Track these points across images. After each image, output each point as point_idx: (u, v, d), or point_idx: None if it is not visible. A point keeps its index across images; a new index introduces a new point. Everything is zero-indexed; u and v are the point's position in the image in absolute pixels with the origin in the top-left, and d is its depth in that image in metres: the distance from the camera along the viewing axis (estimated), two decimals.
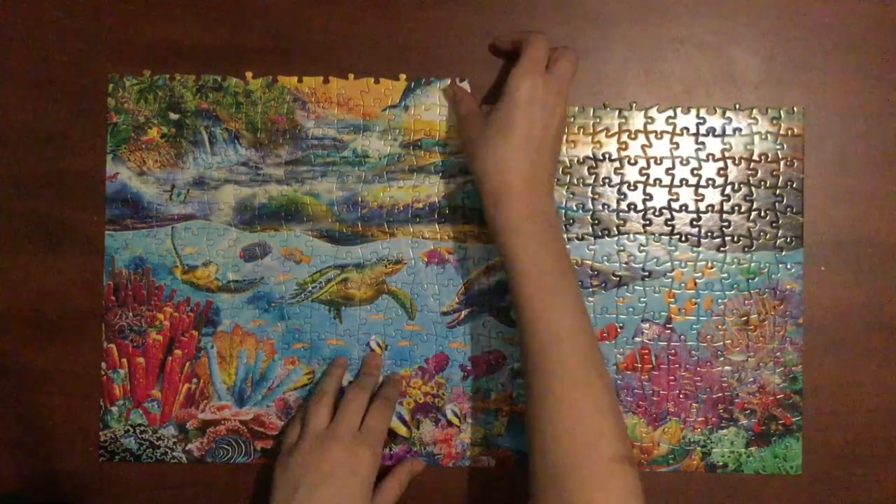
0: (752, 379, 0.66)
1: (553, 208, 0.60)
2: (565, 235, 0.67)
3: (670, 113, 0.67)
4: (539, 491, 0.54)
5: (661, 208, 0.67)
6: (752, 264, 0.66)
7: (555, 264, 0.57)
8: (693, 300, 0.66)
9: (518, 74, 0.59)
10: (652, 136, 0.67)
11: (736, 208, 0.67)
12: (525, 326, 0.57)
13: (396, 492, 0.64)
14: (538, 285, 0.56)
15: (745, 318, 0.66)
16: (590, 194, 0.67)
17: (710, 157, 0.67)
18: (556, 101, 0.59)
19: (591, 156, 0.67)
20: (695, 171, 0.67)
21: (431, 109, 0.67)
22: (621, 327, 0.67)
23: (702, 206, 0.67)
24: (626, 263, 0.67)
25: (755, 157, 0.67)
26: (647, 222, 0.67)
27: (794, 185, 0.67)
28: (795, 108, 0.67)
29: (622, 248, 0.67)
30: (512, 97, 0.59)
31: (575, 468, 0.52)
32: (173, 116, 0.67)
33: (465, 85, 0.67)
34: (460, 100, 0.65)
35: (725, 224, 0.67)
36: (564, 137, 0.66)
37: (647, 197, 0.67)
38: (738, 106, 0.67)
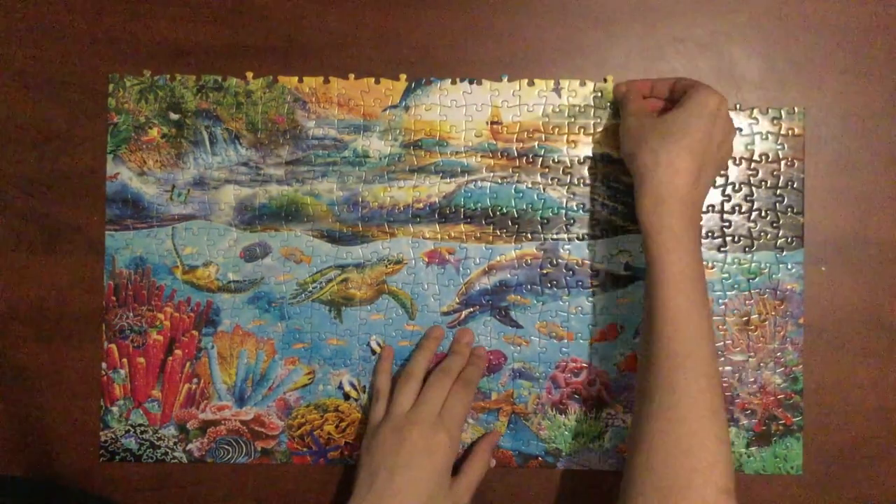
0: (752, 379, 0.66)
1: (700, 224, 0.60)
2: (565, 236, 0.67)
3: None
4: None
5: None
6: (753, 264, 0.66)
7: (700, 277, 0.57)
8: None
9: (706, 89, 0.59)
10: None
11: (736, 208, 0.67)
12: (659, 333, 0.55)
13: (481, 470, 0.64)
14: (682, 292, 0.55)
15: (745, 319, 0.66)
16: (590, 194, 0.67)
17: None
18: (731, 130, 0.60)
19: (592, 156, 0.67)
20: None
21: (432, 109, 0.67)
22: (622, 327, 0.67)
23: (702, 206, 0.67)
24: (626, 263, 0.67)
25: (756, 157, 0.67)
26: None
27: (795, 186, 0.67)
28: (796, 108, 0.67)
29: (623, 248, 0.67)
30: (698, 106, 0.58)
31: (684, 491, 0.52)
32: (174, 116, 0.67)
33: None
34: (630, 99, 0.64)
35: (726, 224, 0.67)
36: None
37: None
38: (738, 106, 0.67)
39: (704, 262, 0.66)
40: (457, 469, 0.63)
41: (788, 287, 0.66)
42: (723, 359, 0.66)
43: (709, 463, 0.52)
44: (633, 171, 0.59)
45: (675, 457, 0.53)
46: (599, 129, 0.67)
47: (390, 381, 0.65)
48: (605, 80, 0.67)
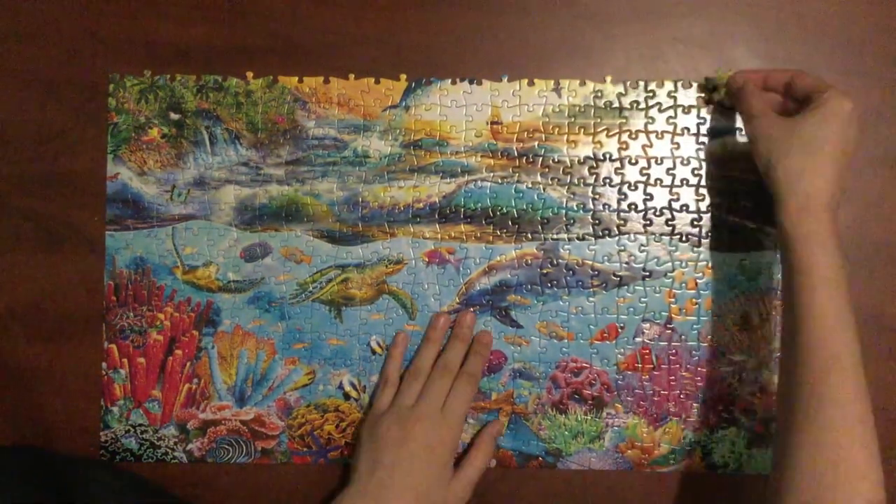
0: (752, 379, 0.66)
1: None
2: (566, 236, 0.67)
3: (671, 113, 0.67)
4: None
5: (661, 208, 0.67)
6: (753, 264, 0.66)
7: (846, 282, 0.55)
8: (694, 300, 0.66)
9: (838, 93, 0.58)
10: (653, 136, 0.67)
11: (737, 208, 0.66)
12: (805, 341, 0.54)
13: (482, 462, 0.64)
14: (832, 298, 0.54)
15: (745, 319, 0.66)
16: (590, 194, 0.67)
17: (711, 157, 0.67)
18: (860, 131, 0.59)
19: (592, 156, 0.67)
20: (695, 171, 0.67)
21: (432, 109, 0.67)
22: (622, 327, 0.67)
23: (702, 206, 0.67)
24: (626, 263, 0.67)
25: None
26: (648, 222, 0.67)
27: None
28: None
29: (623, 248, 0.67)
30: (834, 114, 0.57)
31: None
32: (174, 116, 0.67)
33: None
34: (751, 94, 0.62)
35: (726, 224, 0.66)
36: None
37: (648, 197, 0.67)
38: None
39: (704, 262, 0.66)
40: (459, 462, 0.64)
41: None
42: (723, 359, 0.66)
43: (857, 475, 0.51)
44: (772, 177, 0.58)
45: (821, 468, 0.51)
46: (600, 128, 0.67)
47: (400, 369, 0.66)
48: (605, 80, 0.67)
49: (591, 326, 0.67)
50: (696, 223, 0.67)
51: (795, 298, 0.55)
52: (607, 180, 0.67)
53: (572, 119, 0.67)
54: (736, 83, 0.63)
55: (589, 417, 0.67)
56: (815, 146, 0.57)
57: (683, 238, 0.67)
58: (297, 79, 0.67)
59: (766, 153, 0.59)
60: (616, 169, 0.67)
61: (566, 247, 0.67)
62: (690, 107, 0.67)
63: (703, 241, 0.67)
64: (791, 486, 0.52)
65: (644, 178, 0.67)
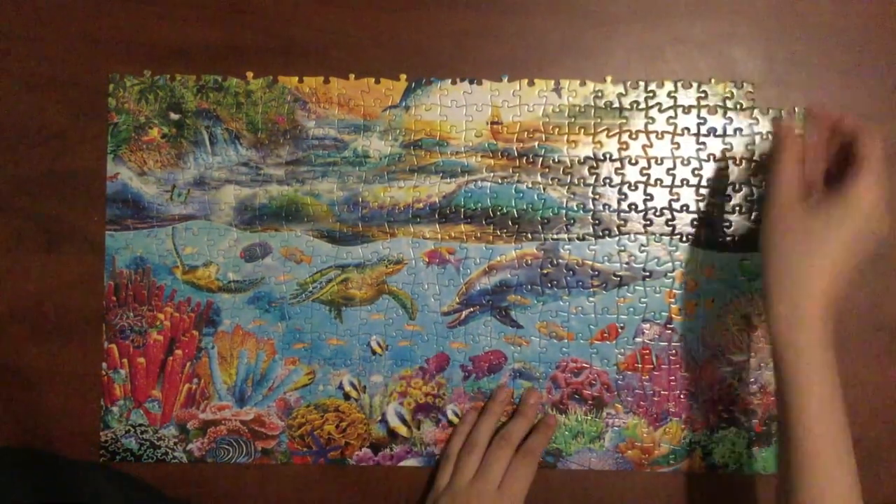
0: (752, 379, 0.66)
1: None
2: (566, 236, 0.67)
3: (671, 113, 0.67)
4: None
5: (661, 208, 0.67)
6: (753, 264, 0.66)
7: (839, 398, 0.53)
8: (694, 300, 0.66)
9: (868, 181, 0.53)
10: (653, 137, 0.67)
11: (737, 209, 0.67)
12: (801, 459, 0.53)
13: (530, 473, 0.63)
14: (822, 422, 0.52)
15: (745, 319, 0.66)
16: (590, 194, 0.67)
17: (711, 157, 0.67)
18: (884, 219, 0.54)
19: (592, 156, 0.67)
20: (696, 172, 0.67)
21: (432, 109, 0.67)
22: (622, 327, 0.67)
23: (702, 207, 0.67)
24: (626, 263, 0.67)
25: (756, 157, 0.67)
26: (648, 222, 0.67)
27: None
28: (796, 108, 0.67)
29: (623, 248, 0.67)
30: (851, 206, 0.53)
31: None
32: (174, 116, 0.67)
33: (794, 120, 0.62)
34: (788, 152, 0.57)
35: (726, 224, 0.67)
36: None
37: (648, 197, 0.67)
38: (738, 106, 0.67)
39: (704, 263, 0.66)
40: None
41: None
42: (723, 359, 0.66)
43: None
44: (767, 262, 0.55)
45: None
46: (600, 128, 0.67)
47: (461, 444, 0.65)
48: (606, 80, 0.67)
49: (592, 326, 0.67)
50: (696, 223, 0.67)
51: (785, 411, 0.53)
52: (607, 180, 0.67)
53: (572, 119, 0.67)
54: (778, 131, 0.58)
55: (589, 417, 0.67)
56: (820, 241, 0.53)
57: (684, 238, 0.67)
58: (297, 79, 0.67)
59: (769, 233, 0.56)
60: (616, 169, 0.67)
61: (566, 247, 0.67)
62: (690, 107, 0.67)
63: (703, 241, 0.67)
64: None
65: (644, 179, 0.67)
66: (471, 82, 0.67)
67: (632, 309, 0.67)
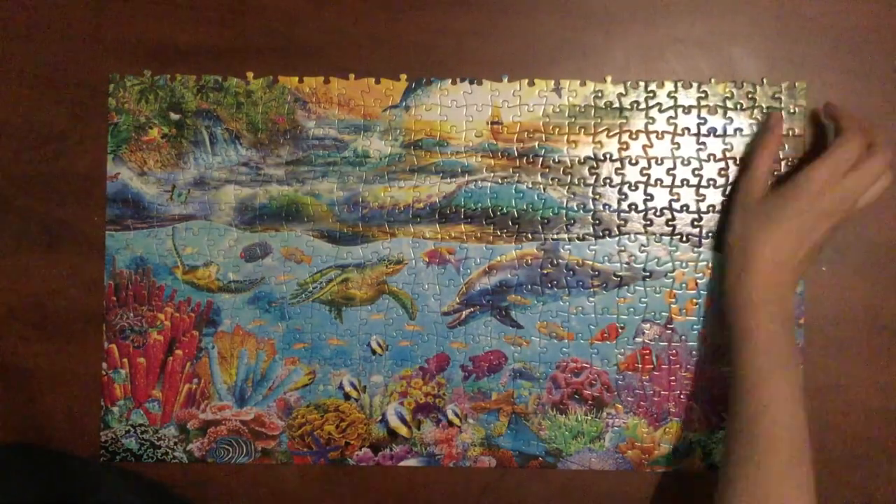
0: None
1: (793, 302, 0.61)
2: (566, 236, 0.67)
3: (671, 113, 0.67)
4: None
5: (662, 208, 0.67)
6: None
7: (785, 342, 0.59)
8: (694, 300, 0.67)
9: (816, 166, 0.59)
10: (653, 137, 0.67)
11: None
12: (738, 392, 0.58)
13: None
14: (763, 354, 0.58)
15: None
16: (591, 194, 0.67)
17: (712, 157, 0.67)
18: (837, 209, 0.59)
19: (592, 156, 0.67)
20: (696, 172, 0.67)
21: (432, 109, 0.67)
22: (622, 328, 0.67)
23: (703, 207, 0.67)
24: (627, 264, 0.67)
25: None
26: (648, 222, 0.67)
27: None
28: (796, 109, 0.67)
29: (623, 248, 0.67)
30: (799, 187, 0.59)
31: None
32: (174, 117, 0.67)
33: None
34: (770, 142, 0.63)
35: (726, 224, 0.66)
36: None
37: (648, 197, 0.67)
38: (738, 106, 0.67)
39: (705, 263, 0.66)
40: None
41: None
42: (723, 359, 0.66)
43: None
44: (728, 240, 0.62)
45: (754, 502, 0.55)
46: (601, 128, 0.67)
47: None
48: (606, 80, 0.67)
49: (592, 326, 0.67)
50: (696, 223, 0.67)
51: (732, 355, 0.59)
52: (608, 180, 0.67)
53: (573, 119, 0.67)
54: (770, 122, 0.64)
55: (589, 418, 0.67)
56: (772, 220, 0.59)
57: (684, 238, 0.67)
58: (297, 79, 0.67)
59: (732, 218, 0.62)
60: (616, 169, 0.67)
61: (566, 247, 0.67)
62: (690, 107, 0.67)
63: (703, 241, 0.67)
64: None
65: (644, 179, 0.67)
66: (471, 82, 0.67)
67: (632, 309, 0.67)
